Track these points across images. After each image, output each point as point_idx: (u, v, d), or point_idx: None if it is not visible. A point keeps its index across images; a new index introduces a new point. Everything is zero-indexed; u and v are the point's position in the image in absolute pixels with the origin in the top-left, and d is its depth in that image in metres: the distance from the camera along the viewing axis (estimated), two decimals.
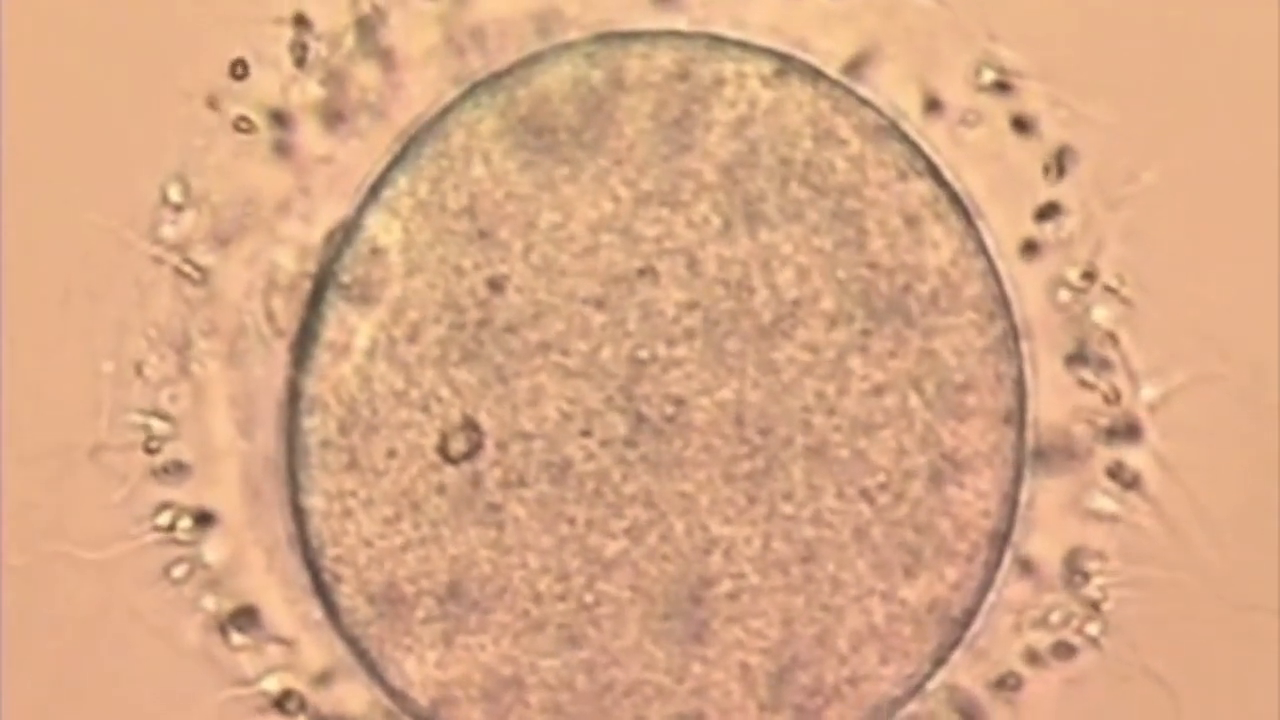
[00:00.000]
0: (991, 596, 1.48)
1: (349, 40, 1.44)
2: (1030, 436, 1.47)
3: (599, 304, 1.45)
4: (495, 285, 1.45)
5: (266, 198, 1.45)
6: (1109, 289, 1.45)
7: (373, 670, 1.48)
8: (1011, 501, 1.48)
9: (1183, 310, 1.45)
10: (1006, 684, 1.47)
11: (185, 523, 1.45)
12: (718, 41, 1.47)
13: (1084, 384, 1.46)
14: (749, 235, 1.46)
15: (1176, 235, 1.45)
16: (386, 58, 1.45)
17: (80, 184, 1.43)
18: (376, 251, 1.46)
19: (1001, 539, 1.47)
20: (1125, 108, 1.44)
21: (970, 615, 1.48)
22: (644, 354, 1.45)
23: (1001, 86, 1.46)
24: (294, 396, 1.46)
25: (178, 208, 1.44)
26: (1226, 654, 1.44)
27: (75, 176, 1.43)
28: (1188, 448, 1.45)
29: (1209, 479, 1.44)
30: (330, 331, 1.46)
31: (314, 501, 1.46)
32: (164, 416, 1.44)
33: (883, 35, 1.46)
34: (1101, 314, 1.46)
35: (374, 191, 1.46)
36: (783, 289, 1.45)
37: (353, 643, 1.47)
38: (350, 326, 1.46)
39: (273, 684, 1.46)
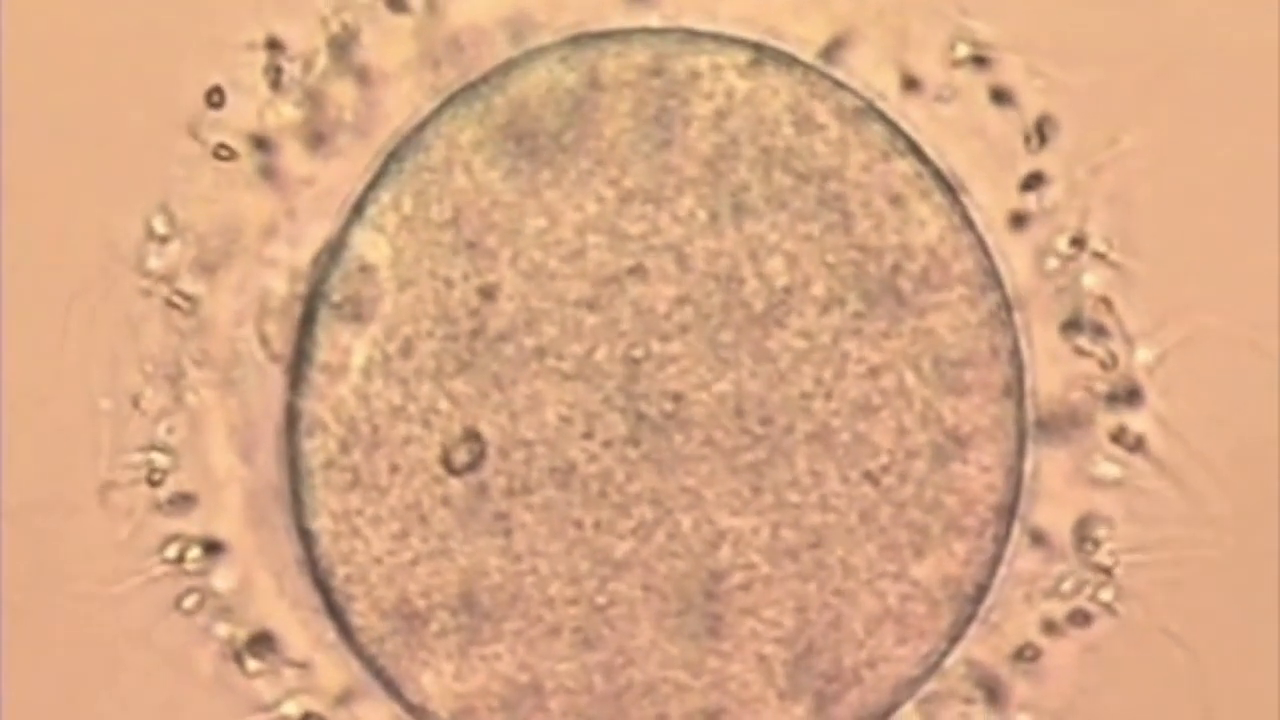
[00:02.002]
0: (1003, 570, 1.48)
1: (323, 60, 1.44)
2: (1030, 407, 1.47)
3: (590, 305, 1.45)
4: (486, 294, 1.45)
5: (252, 223, 1.45)
6: (1098, 254, 1.45)
7: (390, 687, 1.48)
8: (1016, 474, 1.48)
9: (1173, 270, 1.45)
10: (1025, 655, 1.47)
11: (194, 553, 1.45)
12: (691, 35, 1.47)
13: (1080, 351, 1.46)
14: (735, 226, 1.46)
15: (1161, 196, 1.45)
16: (362, 75, 1.45)
17: (65, 222, 1.43)
18: (365, 269, 1.46)
19: (1009, 512, 1.47)
20: (1101, 72, 1.44)
21: (983, 590, 1.48)
22: (639, 352, 1.45)
23: (977, 60, 1.46)
24: (293, 419, 1.46)
25: (163, 239, 1.44)
26: (1243, 609, 1.44)
27: (59, 215, 1.43)
28: (1189, 406, 1.45)
29: (1213, 435, 1.44)
30: (325, 352, 1.46)
31: (320, 523, 1.46)
32: (164, 449, 1.44)
33: (855, 18, 1.46)
34: (1092, 280, 1.46)
35: (358, 209, 1.46)
36: (773, 277, 1.45)
37: (369, 661, 1.48)
38: (344, 346, 1.46)
39: (293, 708, 1.46)
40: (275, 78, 1.44)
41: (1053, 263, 1.46)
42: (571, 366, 1.45)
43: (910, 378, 1.46)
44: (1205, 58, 1.45)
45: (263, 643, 1.46)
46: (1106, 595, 1.46)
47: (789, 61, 1.47)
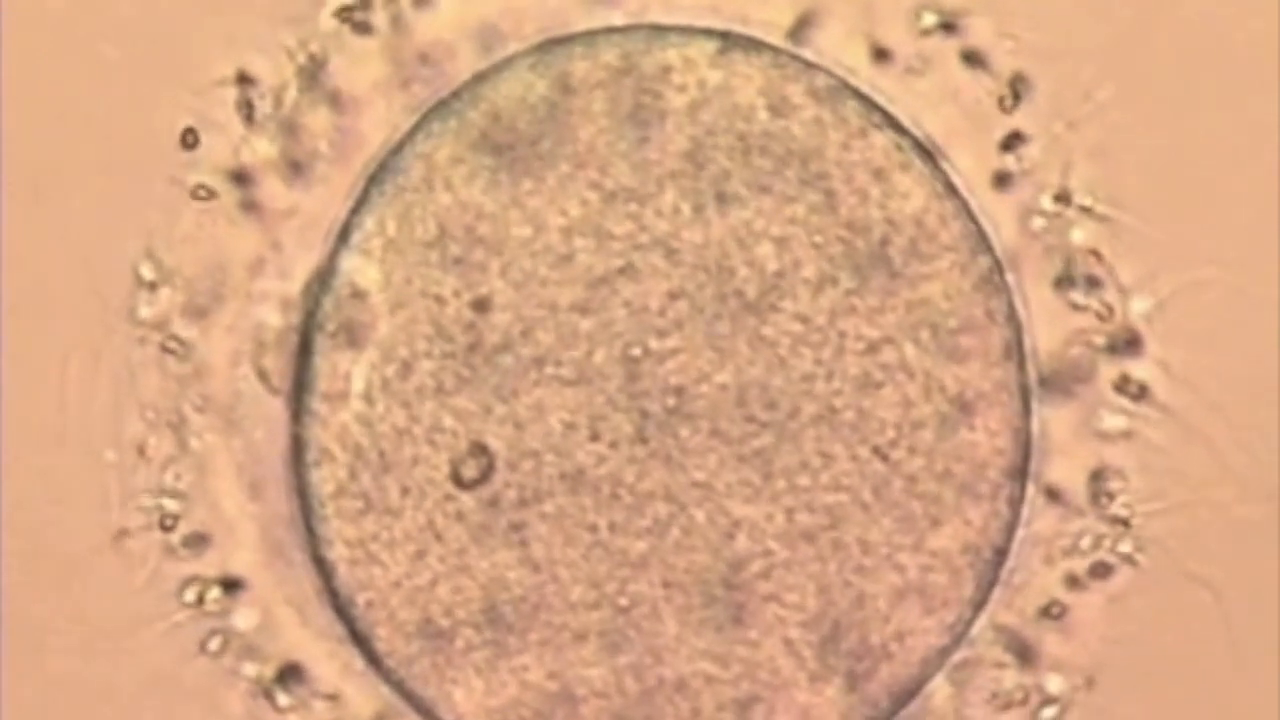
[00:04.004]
0: (1020, 532, 1.48)
1: (293, 91, 1.44)
2: (1032, 367, 1.47)
3: (584, 309, 1.45)
4: (479, 308, 1.45)
5: (238, 260, 1.45)
6: (1083, 208, 1.45)
7: (423, 709, 1.48)
8: (1024, 435, 1.48)
9: (1159, 217, 1.45)
10: (1051, 613, 1.47)
11: (213, 594, 1.45)
12: (657, 30, 1.47)
13: (1076, 306, 1.46)
14: (720, 216, 1.46)
15: (1141, 145, 1.45)
16: (334, 101, 1.45)
17: (52, 278, 1.43)
18: (357, 295, 1.46)
19: (1020, 473, 1.48)
20: (1071, 26, 1.44)
21: (1002, 553, 1.48)
22: (636, 351, 1.45)
23: (945, 27, 1.46)
24: (299, 451, 1.46)
25: (152, 286, 1.44)
26: (1261, 547, 1.44)
27: (46, 271, 1.43)
28: (1189, 349, 1.45)
29: (1216, 376, 1.44)
30: (324, 381, 1.46)
31: (337, 552, 1.47)
32: (173, 494, 1.44)
33: None
34: (1080, 234, 1.46)
35: (344, 236, 1.46)
36: (763, 263, 1.45)
37: (399, 685, 1.48)
38: (343, 373, 1.46)
39: None
40: (248, 113, 1.44)
41: (1039, 221, 1.46)
42: (571, 371, 1.45)
43: (909, 350, 1.46)
44: (1173, 2, 1.45)
45: (291, 677, 1.46)
46: (1126, 546, 1.46)
47: (757, 47, 1.47)
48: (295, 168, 1.45)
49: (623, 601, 1.46)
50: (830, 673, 1.47)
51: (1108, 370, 1.47)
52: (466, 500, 1.46)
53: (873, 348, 1.46)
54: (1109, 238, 1.45)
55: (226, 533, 1.45)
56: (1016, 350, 1.47)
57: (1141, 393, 1.46)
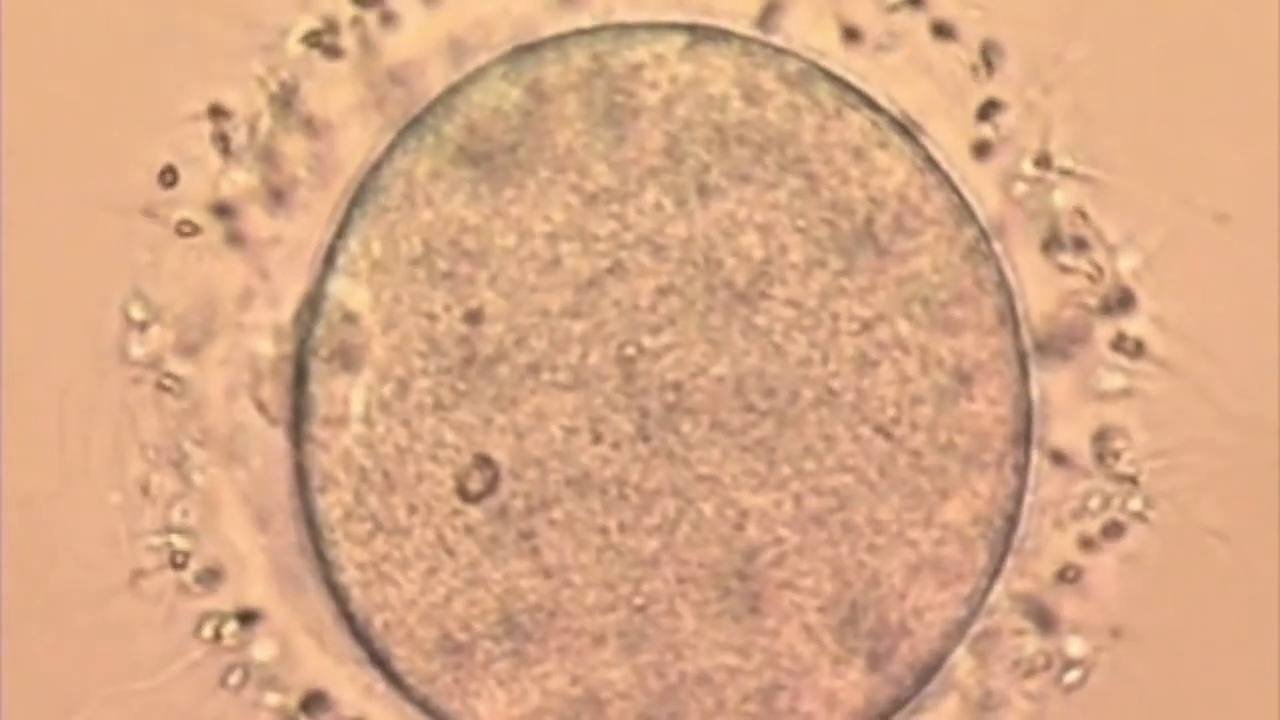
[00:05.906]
0: (1029, 498, 1.48)
1: (267, 120, 1.44)
2: (1027, 333, 1.47)
3: (575, 313, 1.45)
4: (471, 320, 1.45)
5: (227, 292, 1.45)
6: (1064, 170, 1.45)
7: None
8: (1025, 401, 1.48)
9: (1141, 173, 1.45)
10: (1066, 576, 1.48)
11: (230, 627, 1.45)
12: (625, 29, 1.47)
13: (1065, 268, 1.47)
14: (703, 208, 1.46)
15: (1116, 102, 1.45)
16: (309, 127, 1.45)
17: (44, 324, 1.43)
18: (348, 318, 1.46)
19: (1024, 440, 1.48)
20: None
21: (1013, 521, 1.48)
22: (631, 350, 1.45)
23: (913, 1, 1.46)
24: (302, 478, 1.46)
25: (143, 325, 1.44)
26: (1268, 491, 1.44)
27: (37, 318, 1.43)
28: (1182, 302, 1.45)
29: (1211, 326, 1.44)
30: (323, 407, 1.46)
31: (349, 575, 1.46)
32: (181, 531, 1.44)
33: None
34: (1063, 196, 1.46)
35: (330, 260, 1.46)
36: (749, 252, 1.45)
37: (422, 703, 1.48)
38: (341, 397, 1.46)
39: None
40: (224, 145, 1.44)
41: (1021, 186, 1.47)
42: (567, 376, 1.45)
43: (903, 326, 1.46)
44: None
45: (315, 704, 1.46)
46: (1135, 504, 1.46)
47: (726, 36, 1.47)
48: (276, 196, 1.45)
49: (638, 601, 1.46)
50: (851, 654, 1.47)
51: (1103, 329, 1.47)
52: (474, 513, 1.46)
53: (866, 327, 1.46)
54: (1092, 197, 1.45)
55: (238, 566, 1.45)
56: (1010, 317, 1.47)
57: (1138, 349, 1.46)
